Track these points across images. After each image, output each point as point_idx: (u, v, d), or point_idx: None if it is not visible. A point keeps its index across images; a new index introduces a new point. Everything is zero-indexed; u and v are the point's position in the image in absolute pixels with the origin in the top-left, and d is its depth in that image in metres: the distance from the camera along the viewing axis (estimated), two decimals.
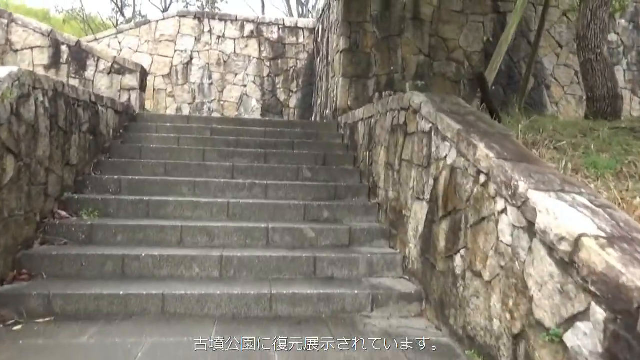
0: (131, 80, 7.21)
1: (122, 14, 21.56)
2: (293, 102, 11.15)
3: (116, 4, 20.99)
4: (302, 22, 11.33)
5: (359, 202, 5.08)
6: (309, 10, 23.34)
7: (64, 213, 4.31)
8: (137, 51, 10.76)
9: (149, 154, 5.69)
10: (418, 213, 3.80)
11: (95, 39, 10.82)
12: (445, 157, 3.35)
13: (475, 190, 2.88)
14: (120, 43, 10.77)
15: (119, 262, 3.68)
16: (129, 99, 7.18)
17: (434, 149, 3.57)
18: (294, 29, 11.22)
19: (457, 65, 7.94)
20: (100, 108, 5.48)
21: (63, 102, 4.42)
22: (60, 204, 4.38)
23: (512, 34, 6.82)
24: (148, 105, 10.60)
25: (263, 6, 24.52)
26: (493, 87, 8.00)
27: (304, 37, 11.25)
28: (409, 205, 4.03)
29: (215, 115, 10.86)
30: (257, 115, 11.01)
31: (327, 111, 8.67)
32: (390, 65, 7.74)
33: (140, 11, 24.56)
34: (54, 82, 4.30)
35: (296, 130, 6.87)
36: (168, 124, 6.60)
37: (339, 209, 4.81)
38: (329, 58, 8.84)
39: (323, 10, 10.13)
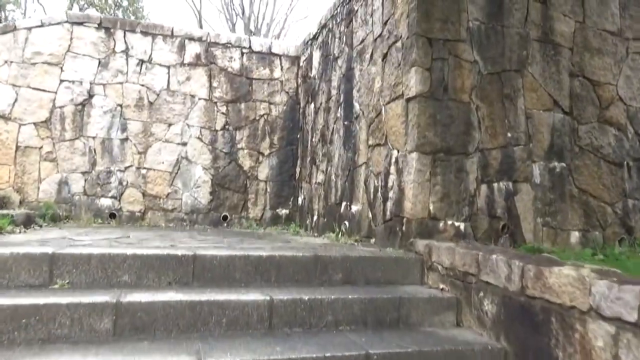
0: None
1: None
2: (264, 172, 6.86)
3: None
4: (279, 47, 7.23)
5: None
6: (251, 31, 18.05)
7: None
8: None
9: None
10: None
11: None
12: None
13: None
14: None
15: None
16: None
17: None
18: (267, 56, 7.05)
19: (617, 131, 4.18)
20: None
21: None
22: None
23: None
24: (5, 176, 5.83)
25: (200, 21, 18.97)
26: None
27: (281, 68, 7.11)
28: None
29: (134, 193, 6.24)
30: (204, 193, 6.54)
31: (356, 210, 4.48)
32: (506, 129, 3.80)
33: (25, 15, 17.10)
34: None
35: (344, 298, 2.61)
36: None
37: None
38: (356, 107, 4.76)
39: (324, 25, 6.11)
